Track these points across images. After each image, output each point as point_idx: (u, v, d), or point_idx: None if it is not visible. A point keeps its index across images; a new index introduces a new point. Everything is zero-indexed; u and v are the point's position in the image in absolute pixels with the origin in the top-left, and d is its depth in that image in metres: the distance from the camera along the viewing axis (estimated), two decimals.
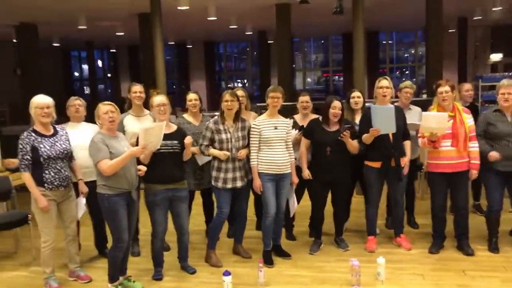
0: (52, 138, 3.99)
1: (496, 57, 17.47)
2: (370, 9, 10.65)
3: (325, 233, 4.93)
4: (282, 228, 4.71)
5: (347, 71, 17.08)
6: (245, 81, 21.88)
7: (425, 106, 4.87)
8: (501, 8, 11.43)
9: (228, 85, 20.77)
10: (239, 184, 4.33)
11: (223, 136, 4.27)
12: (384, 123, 4.31)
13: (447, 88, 4.34)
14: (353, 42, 8.67)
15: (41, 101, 3.96)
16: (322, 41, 20.52)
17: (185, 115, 4.83)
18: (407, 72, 20.58)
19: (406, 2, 11.38)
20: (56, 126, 4.16)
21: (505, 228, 4.81)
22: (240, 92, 4.83)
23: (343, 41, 18.35)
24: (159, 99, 4.17)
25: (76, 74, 21.89)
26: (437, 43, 10.34)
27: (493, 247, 4.50)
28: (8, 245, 5.24)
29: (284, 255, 4.57)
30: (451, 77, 16.44)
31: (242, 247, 4.69)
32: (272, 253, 4.52)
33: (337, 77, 20.38)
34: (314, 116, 4.82)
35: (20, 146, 3.88)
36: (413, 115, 4.93)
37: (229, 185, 4.31)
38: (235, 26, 13.54)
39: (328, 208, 4.74)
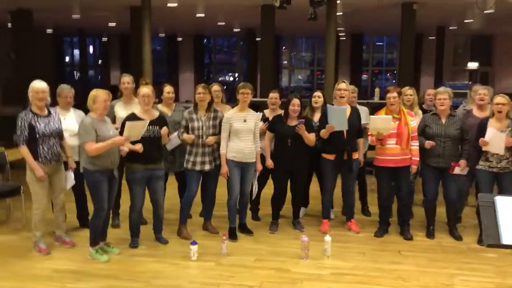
0: (46, 118, 4.49)
1: (472, 65, 18.29)
2: (347, 14, 11.16)
3: (286, 216, 5.53)
4: (247, 209, 5.28)
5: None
6: (236, 74, 22.30)
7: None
8: (472, 20, 12.09)
9: (220, 79, 21.14)
10: (207, 167, 4.88)
11: (195, 124, 4.81)
12: (338, 121, 4.91)
13: (394, 94, 4.93)
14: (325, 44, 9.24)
15: (38, 86, 4.45)
16: (312, 40, 20.91)
17: (160, 106, 5.28)
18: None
19: (382, 9, 11.91)
20: (50, 108, 4.65)
21: (444, 219, 5.32)
22: (215, 87, 5.42)
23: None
24: (145, 90, 4.60)
25: (67, 59, 22.17)
26: (408, 50, 10.98)
27: (430, 233, 5.12)
28: (1, 215, 5.75)
29: (248, 232, 5.15)
30: (427, 80, 17.22)
31: (210, 224, 5.25)
32: (238, 230, 5.11)
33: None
34: (281, 111, 5.40)
35: (19, 123, 4.37)
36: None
37: (198, 168, 4.86)
38: (223, 23, 14.00)
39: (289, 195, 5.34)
